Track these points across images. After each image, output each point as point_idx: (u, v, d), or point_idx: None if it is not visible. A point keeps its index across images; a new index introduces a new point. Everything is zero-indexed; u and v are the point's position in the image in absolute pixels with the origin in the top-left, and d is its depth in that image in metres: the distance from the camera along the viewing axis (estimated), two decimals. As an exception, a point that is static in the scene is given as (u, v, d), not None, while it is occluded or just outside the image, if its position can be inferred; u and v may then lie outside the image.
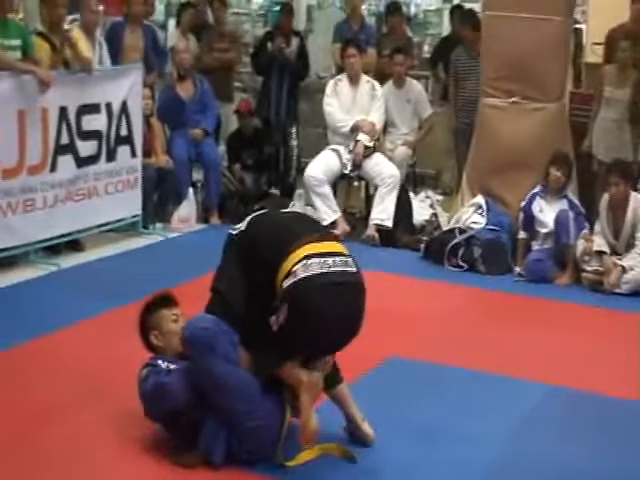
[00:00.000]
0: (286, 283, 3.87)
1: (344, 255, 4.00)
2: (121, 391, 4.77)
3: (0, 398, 4.72)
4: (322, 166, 8.51)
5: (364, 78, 8.88)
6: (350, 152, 8.52)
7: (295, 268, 3.87)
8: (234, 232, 4.22)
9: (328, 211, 8.38)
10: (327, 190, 8.50)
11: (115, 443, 4.25)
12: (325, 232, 4.37)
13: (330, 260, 3.91)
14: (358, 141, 8.49)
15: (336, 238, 4.27)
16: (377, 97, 8.81)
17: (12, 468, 3.99)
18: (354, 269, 3.99)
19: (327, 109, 8.77)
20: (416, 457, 4.23)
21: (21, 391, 4.89)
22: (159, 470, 4.03)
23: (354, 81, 8.81)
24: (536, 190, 7.49)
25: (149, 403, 4.19)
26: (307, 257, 3.89)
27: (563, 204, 7.39)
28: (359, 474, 4.06)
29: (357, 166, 8.52)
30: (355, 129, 8.56)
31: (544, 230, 7.36)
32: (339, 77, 8.97)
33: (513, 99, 7.92)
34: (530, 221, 7.44)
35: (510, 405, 4.86)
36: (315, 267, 3.87)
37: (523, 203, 7.50)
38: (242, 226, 4.21)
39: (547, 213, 7.37)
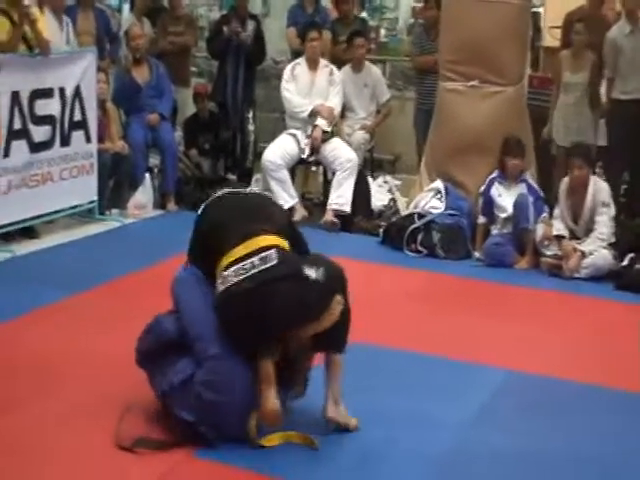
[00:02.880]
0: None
1: (265, 249, 4.05)
2: (77, 381, 4.73)
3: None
4: (280, 150, 8.45)
5: (322, 63, 8.82)
6: (308, 137, 8.46)
7: (218, 282, 4.09)
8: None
9: (285, 196, 8.30)
10: (285, 175, 8.44)
11: (72, 434, 4.18)
12: (255, 226, 4.23)
13: (248, 263, 4.02)
14: (316, 126, 8.43)
15: (266, 229, 4.21)
16: (335, 82, 8.75)
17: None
18: (274, 262, 4.03)
19: (285, 94, 8.70)
20: (376, 442, 4.21)
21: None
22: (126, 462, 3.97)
23: (313, 66, 8.74)
24: (494, 175, 7.48)
25: (142, 340, 4.35)
26: (227, 267, 4.06)
27: (522, 188, 7.37)
28: (319, 460, 4.03)
29: (315, 151, 8.47)
30: (313, 114, 8.50)
31: (503, 215, 7.35)
32: (297, 61, 8.89)
33: (472, 83, 7.89)
34: (489, 206, 7.44)
35: (469, 390, 4.85)
36: (231, 277, 4.03)
37: (482, 188, 7.50)
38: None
39: (506, 198, 7.36)
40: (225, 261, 4.08)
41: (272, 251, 4.06)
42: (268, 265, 4.03)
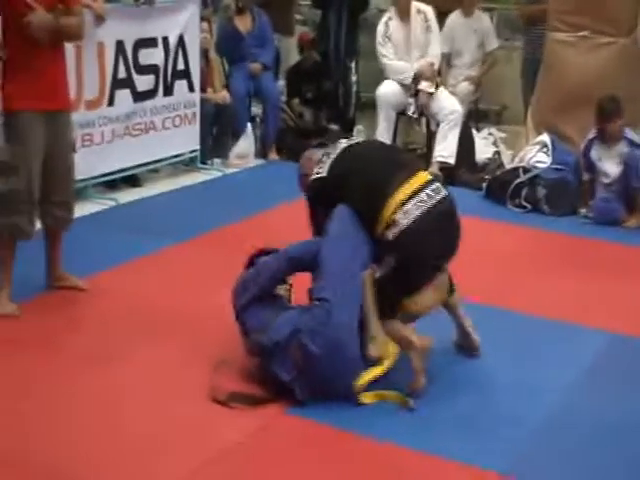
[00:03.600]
0: (390, 234, 4.09)
1: (432, 182, 4.24)
2: (179, 329, 4.76)
3: (58, 335, 4.73)
4: (394, 88, 8.32)
5: (414, 8, 8.46)
6: (412, 96, 8.28)
7: (396, 217, 4.08)
8: (316, 178, 4.33)
9: (384, 138, 8.19)
10: (392, 116, 8.36)
11: (166, 386, 4.21)
12: (410, 164, 4.42)
13: (424, 195, 4.14)
14: (420, 91, 8.21)
15: (419, 167, 4.42)
16: (431, 29, 8.47)
17: (61, 406, 3.98)
18: (444, 192, 4.24)
19: (384, 61, 8.46)
20: (474, 407, 4.14)
21: (79, 329, 4.92)
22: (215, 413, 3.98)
23: (405, 15, 8.43)
24: (592, 135, 7.14)
25: (239, 292, 4.35)
26: (403, 203, 4.09)
27: (623, 146, 7.02)
28: (418, 423, 3.96)
29: (421, 111, 8.33)
30: (416, 77, 8.28)
31: (606, 180, 7.07)
32: (388, 15, 8.55)
33: (582, 33, 7.67)
34: (591, 165, 7.16)
35: (572, 353, 4.73)
36: (413, 211, 4.09)
37: (582, 146, 7.22)
38: (323, 171, 4.32)
39: (606, 161, 7.06)
40: (398, 198, 4.10)
41: (438, 184, 4.26)
42: (441, 196, 4.19)
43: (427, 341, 4.15)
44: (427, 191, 4.16)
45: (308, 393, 4.03)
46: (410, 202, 4.10)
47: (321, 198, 4.38)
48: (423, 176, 4.26)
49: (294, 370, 4.02)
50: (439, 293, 4.29)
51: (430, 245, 4.12)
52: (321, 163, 4.40)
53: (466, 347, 4.58)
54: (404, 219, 4.07)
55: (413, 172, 4.25)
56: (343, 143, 4.50)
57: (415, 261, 4.11)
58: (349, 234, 4.19)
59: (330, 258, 4.15)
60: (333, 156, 4.39)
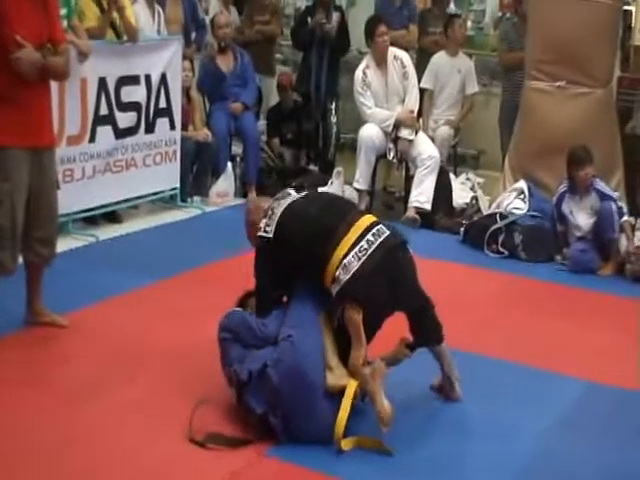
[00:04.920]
0: (334, 289, 4.14)
1: (373, 226, 4.23)
2: (160, 366, 4.79)
3: (36, 373, 4.71)
4: (376, 132, 8.34)
5: (391, 55, 8.43)
6: (392, 141, 8.32)
7: (336, 273, 4.11)
8: (264, 236, 4.32)
9: (362, 180, 8.33)
10: (372, 160, 8.40)
11: (146, 424, 4.21)
12: (349, 213, 4.36)
13: (364, 243, 4.14)
14: (400, 138, 8.27)
15: (359, 214, 4.41)
16: (409, 75, 8.43)
17: (47, 445, 3.97)
18: (387, 232, 4.24)
19: (364, 110, 8.40)
20: (451, 451, 4.17)
21: (57, 366, 4.88)
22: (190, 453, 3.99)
23: (382, 62, 8.40)
24: (564, 188, 7.21)
25: (229, 318, 4.40)
26: (344, 256, 4.11)
27: (593, 198, 7.10)
28: (394, 468, 3.99)
29: (400, 159, 8.42)
30: (397, 124, 8.29)
31: (578, 233, 7.17)
32: (365, 64, 8.47)
33: (559, 83, 7.77)
34: (563, 217, 7.24)
35: (548, 400, 4.76)
36: (354, 263, 4.10)
37: (554, 199, 7.30)
38: (270, 230, 4.29)
39: (577, 214, 7.16)
40: (339, 253, 4.13)
41: (380, 225, 4.26)
42: (383, 237, 4.20)
43: (377, 366, 4.16)
44: (368, 237, 4.17)
45: (284, 430, 4.05)
46: (349, 255, 4.12)
47: (268, 254, 4.37)
48: (364, 222, 4.25)
49: (265, 404, 4.06)
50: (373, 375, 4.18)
51: (373, 295, 4.14)
52: (269, 217, 4.35)
53: (444, 394, 4.61)
54: (344, 275, 4.10)
55: (354, 221, 4.24)
56: (290, 197, 4.46)
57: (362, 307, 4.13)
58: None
59: (292, 311, 4.26)
60: (278, 213, 4.33)
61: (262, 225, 4.35)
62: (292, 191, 4.58)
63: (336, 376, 4.13)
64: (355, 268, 4.09)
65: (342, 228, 4.20)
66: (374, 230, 4.21)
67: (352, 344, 4.13)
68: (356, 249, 4.12)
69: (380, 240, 4.18)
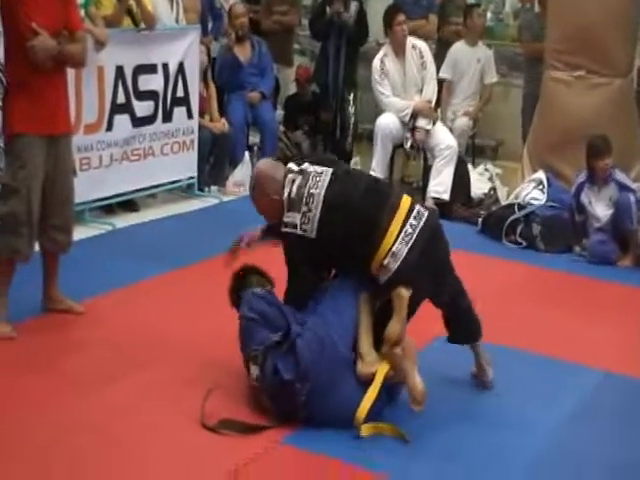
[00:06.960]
0: (383, 277, 4.18)
1: (413, 208, 4.26)
2: (174, 354, 4.78)
3: (51, 359, 4.72)
4: (393, 121, 8.30)
5: (409, 44, 8.39)
6: (410, 130, 8.29)
7: (385, 262, 4.15)
8: (305, 236, 4.25)
9: (379, 170, 8.26)
10: (390, 148, 8.37)
11: (160, 410, 4.21)
12: (389, 198, 4.33)
13: (408, 227, 4.19)
14: (417, 128, 8.24)
15: (398, 197, 4.35)
16: (427, 65, 8.39)
17: (59, 430, 3.98)
18: (426, 213, 4.29)
19: (381, 99, 8.39)
20: (466, 441, 4.15)
21: (72, 353, 4.90)
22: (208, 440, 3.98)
23: (400, 52, 8.37)
24: (582, 178, 7.16)
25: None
26: (392, 245, 4.14)
27: (612, 189, 7.05)
28: (408, 454, 3.98)
29: (418, 148, 8.39)
30: (414, 114, 8.27)
31: (597, 224, 7.10)
32: (383, 53, 8.46)
33: (578, 73, 7.72)
34: (582, 207, 7.19)
35: (564, 390, 4.74)
36: (402, 249, 4.15)
37: (573, 189, 7.25)
38: (309, 229, 4.22)
39: (596, 205, 7.10)
40: (387, 242, 4.16)
41: (418, 206, 4.31)
42: (424, 218, 4.25)
43: (410, 344, 4.19)
44: (411, 220, 4.22)
45: (305, 404, 4.02)
46: (397, 242, 4.16)
47: (305, 246, 4.27)
48: (405, 205, 4.27)
49: (293, 372, 4.02)
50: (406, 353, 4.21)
51: (420, 281, 4.18)
52: (303, 214, 4.23)
53: (478, 380, 4.70)
54: (394, 262, 4.14)
55: (395, 206, 4.25)
56: (320, 180, 4.28)
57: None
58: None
59: (329, 295, 4.28)
60: (316, 210, 4.21)
61: (298, 222, 4.23)
62: (311, 167, 4.35)
63: (367, 364, 4.12)
64: (403, 255, 4.14)
65: (386, 217, 4.21)
66: (415, 213, 4.25)
67: (393, 316, 4.11)
68: (402, 235, 4.17)
69: (422, 223, 4.23)
